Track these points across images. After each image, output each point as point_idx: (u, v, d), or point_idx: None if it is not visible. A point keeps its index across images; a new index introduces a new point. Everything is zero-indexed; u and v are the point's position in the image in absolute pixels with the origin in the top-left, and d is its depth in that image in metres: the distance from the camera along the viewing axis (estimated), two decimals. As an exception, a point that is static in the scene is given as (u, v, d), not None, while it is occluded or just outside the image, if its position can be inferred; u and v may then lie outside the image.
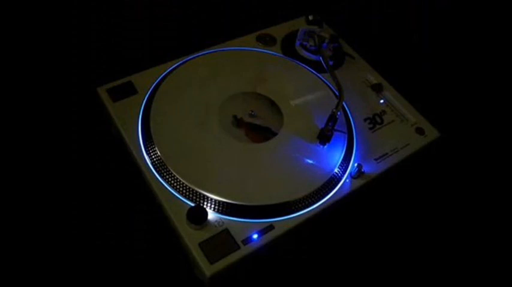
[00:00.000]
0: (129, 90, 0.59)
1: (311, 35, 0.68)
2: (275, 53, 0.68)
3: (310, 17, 0.68)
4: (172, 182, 0.51)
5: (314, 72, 0.66)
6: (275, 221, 0.50)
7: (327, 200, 0.53)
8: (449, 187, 0.64)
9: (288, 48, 0.69)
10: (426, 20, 0.79)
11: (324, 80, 0.65)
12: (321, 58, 0.65)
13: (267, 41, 0.70)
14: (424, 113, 0.64)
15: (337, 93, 0.60)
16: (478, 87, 0.76)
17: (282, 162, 0.55)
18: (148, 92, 0.59)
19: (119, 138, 0.57)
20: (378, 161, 0.58)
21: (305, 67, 0.66)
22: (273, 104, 0.61)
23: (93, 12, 0.76)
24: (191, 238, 0.48)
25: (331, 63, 0.66)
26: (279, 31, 0.71)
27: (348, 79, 0.65)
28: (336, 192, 0.54)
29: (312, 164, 0.55)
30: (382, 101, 0.65)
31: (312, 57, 0.67)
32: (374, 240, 0.58)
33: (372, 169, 0.57)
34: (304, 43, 0.68)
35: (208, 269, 0.46)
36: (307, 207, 0.52)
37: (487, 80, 0.75)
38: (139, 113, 0.57)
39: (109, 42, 0.73)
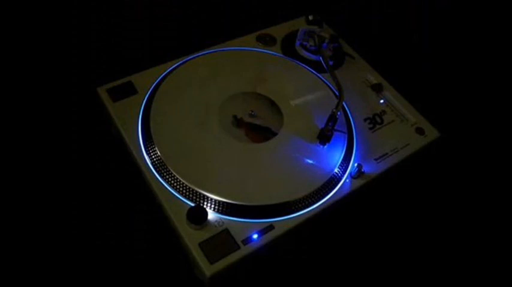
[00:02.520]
0: (129, 90, 0.59)
1: (311, 35, 0.68)
2: (275, 53, 0.68)
3: (310, 17, 0.68)
4: (172, 182, 0.51)
5: (314, 72, 0.66)
6: (275, 221, 0.50)
7: (327, 200, 0.53)
8: (449, 187, 0.64)
9: (288, 48, 0.69)
10: (426, 20, 0.79)
11: (324, 80, 0.65)
12: (321, 58, 0.65)
13: (267, 41, 0.70)
14: (424, 113, 0.64)
15: (337, 93, 0.60)
16: (478, 87, 0.76)
17: (282, 162, 0.55)
18: (148, 92, 0.59)
19: (119, 138, 0.56)
20: (378, 161, 0.58)
21: (305, 67, 0.66)
22: (273, 104, 0.61)
23: (93, 12, 0.76)
24: (191, 238, 0.48)
25: (331, 63, 0.66)
26: (279, 31, 0.71)
27: (348, 79, 0.65)
28: (336, 192, 0.54)
29: (312, 164, 0.55)
30: (382, 101, 0.65)
31: (312, 57, 0.67)
32: (374, 240, 0.58)
33: (372, 169, 0.57)
34: (304, 43, 0.68)
35: (208, 269, 0.46)
36: (307, 207, 0.52)
37: (487, 80, 0.75)
38: (139, 113, 0.57)
39: (109, 42, 0.73)
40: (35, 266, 0.51)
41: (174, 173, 0.51)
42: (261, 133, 0.57)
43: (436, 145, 0.62)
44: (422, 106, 0.64)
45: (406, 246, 0.58)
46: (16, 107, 0.63)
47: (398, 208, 0.61)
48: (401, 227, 0.60)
